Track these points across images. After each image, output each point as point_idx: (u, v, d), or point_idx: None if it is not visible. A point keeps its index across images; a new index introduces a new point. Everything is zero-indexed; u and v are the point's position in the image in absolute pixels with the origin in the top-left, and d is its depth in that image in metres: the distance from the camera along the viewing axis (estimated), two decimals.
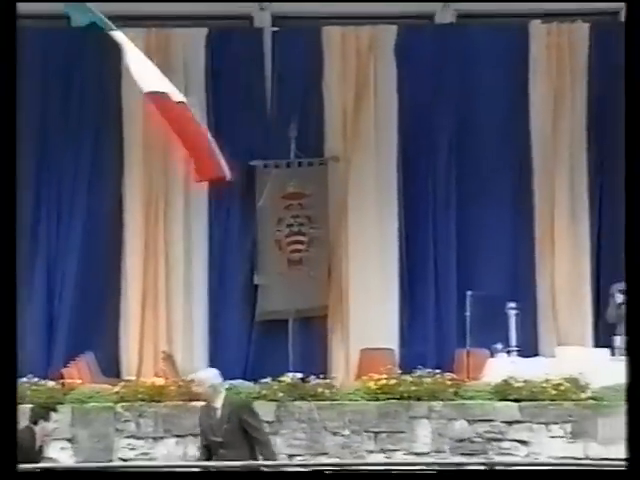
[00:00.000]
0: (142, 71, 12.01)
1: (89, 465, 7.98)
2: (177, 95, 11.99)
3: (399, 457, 13.49)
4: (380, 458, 13.37)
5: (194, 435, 13.33)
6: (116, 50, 12.28)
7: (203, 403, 12.65)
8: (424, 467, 12.88)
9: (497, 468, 9.52)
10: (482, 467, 12.17)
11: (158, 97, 11.95)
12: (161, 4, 15.85)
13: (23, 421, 12.51)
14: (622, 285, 15.11)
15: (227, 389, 13.82)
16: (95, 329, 16.41)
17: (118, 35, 11.91)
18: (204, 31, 16.43)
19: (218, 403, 12.31)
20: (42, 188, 16.37)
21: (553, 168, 16.57)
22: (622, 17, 16.08)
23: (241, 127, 16.36)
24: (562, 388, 13.71)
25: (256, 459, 11.91)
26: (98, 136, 16.17)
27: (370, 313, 16.51)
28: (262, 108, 16.55)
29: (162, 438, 13.63)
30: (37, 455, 12.71)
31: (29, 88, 15.22)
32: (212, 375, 12.70)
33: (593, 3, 16.08)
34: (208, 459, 12.13)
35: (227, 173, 12.44)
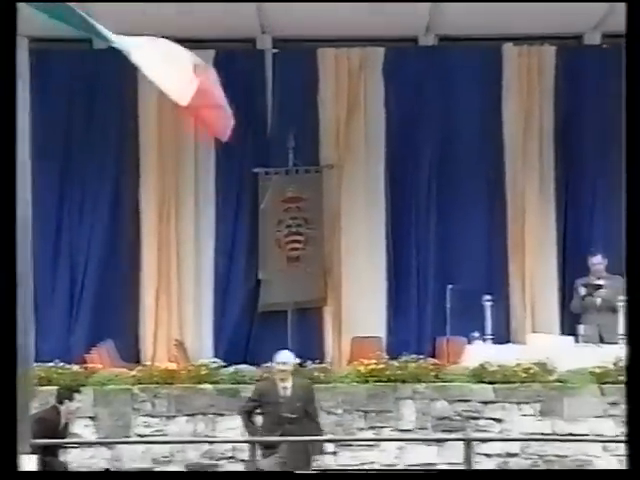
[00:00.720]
0: (167, 81, 11.40)
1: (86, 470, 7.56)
2: (200, 69, 11.35)
3: (386, 433, 13.51)
4: (369, 434, 13.42)
5: (203, 414, 13.62)
6: (131, 66, 12.34)
7: (263, 382, 13.06)
8: (409, 441, 13.33)
9: (499, 470, 8.92)
10: (461, 442, 12.37)
11: (193, 102, 11.41)
12: (170, 29, 15.71)
13: (50, 401, 12.76)
14: (585, 280, 15.42)
15: (236, 372, 14.11)
16: (115, 319, 16.40)
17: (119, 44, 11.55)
18: (211, 53, 16.12)
19: (289, 383, 12.58)
20: (66, 189, 16.31)
21: (523, 177, 16.56)
22: (585, 40, 16.37)
23: (245, 138, 16.22)
24: (532, 372, 13.76)
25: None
26: (117, 144, 16.17)
27: (360, 305, 16.55)
28: (263, 121, 16.54)
29: (174, 417, 13.66)
30: (63, 431, 12.79)
31: (57, 100, 15.28)
32: (290, 356, 12.96)
33: (560, 27, 16.06)
34: (272, 433, 12.30)
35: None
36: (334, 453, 13.38)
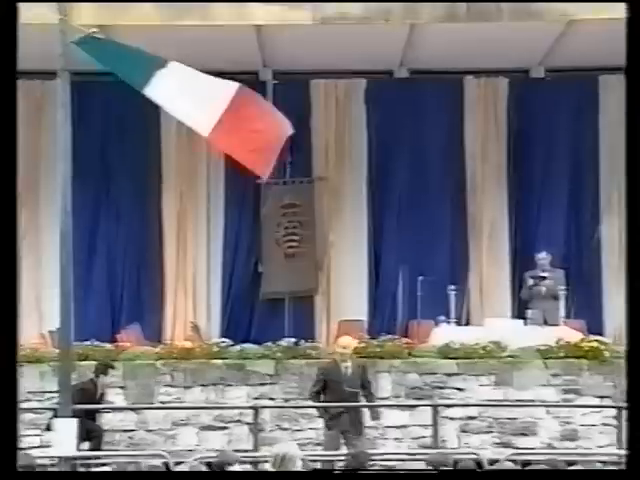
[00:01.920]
0: (191, 114, 10.81)
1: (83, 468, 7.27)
2: (229, 90, 10.78)
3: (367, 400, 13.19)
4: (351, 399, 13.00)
5: (214, 384, 13.56)
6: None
7: (327, 360, 12.95)
8: (386, 407, 13.11)
9: (490, 468, 8.68)
10: (429, 407, 12.66)
11: (218, 129, 10.61)
12: (184, 63, 15.69)
13: (89, 375, 12.91)
14: (532, 272, 15.40)
15: (242, 350, 14.02)
16: (141, 305, 16.45)
17: (150, 92, 10.92)
18: None
19: (349, 362, 12.55)
20: (102, 201, 16.33)
21: (481, 189, 16.59)
22: (532, 74, 16.32)
23: None
24: (488, 349, 13.76)
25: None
26: (144, 164, 16.13)
27: (346, 293, 16.56)
28: None
29: (190, 387, 13.61)
30: (100, 399, 12.91)
31: (95, 126, 15.28)
32: (350, 340, 12.97)
33: (512, 63, 16.00)
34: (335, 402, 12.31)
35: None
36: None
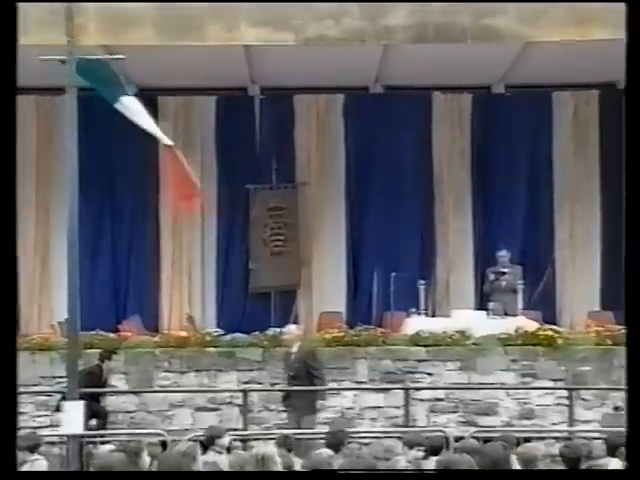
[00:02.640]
0: (154, 128, 11.63)
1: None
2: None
3: (346, 384, 13.36)
4: (333, 385, 13.19)
5: (207, 370, 13.48)
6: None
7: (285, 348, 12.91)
8: (362, 390, 13.19)
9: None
10: (401, 390, 12.73)
11: (169, 148, 11.64)
12: (181, 80, 15.67)
13: (94, 361, 12.92)
14: (493, 268, 15.41)
15: (233, 339, 13.94)
16: (141, 299, 16.43)
17: (126, 100, 11.43)
18: (214, 99, 16.41)
19: (295, 349, 12.59)
20: (106, 205, 16.30)
21: (448, 193, 16.60)
22: (493, 90, 16.32)
23: (239, 163, 16.38)
24: (454, 337, 13.71)
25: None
26: (144, 169, 15.98)
27: (326, 288, 16.55)
28: (253, 150, 16.50)
29: (186, 372, 13.55)
30: (104, 384, 12.96)
31: (100, 137, 15.17)
32: (295, 329, 13.10)
33: (475, 80, 16.00)
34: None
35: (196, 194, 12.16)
36: None
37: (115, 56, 11.41)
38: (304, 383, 12.45)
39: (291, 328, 13.29)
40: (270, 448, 7.83)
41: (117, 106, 11.20)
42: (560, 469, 6.84)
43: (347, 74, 15.54)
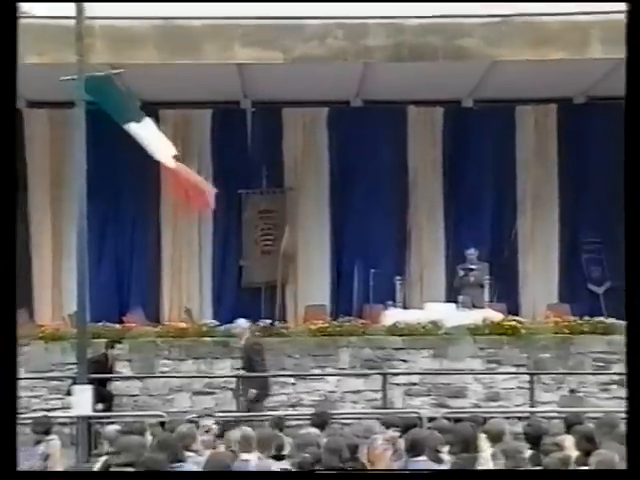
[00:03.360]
0: (157, 148, 11.39)
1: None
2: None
3: (329, 370, 13.38)
4: (317, 371, 13.31)
5: (204, 358, 13.51)
6: None
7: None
8: (344, 375, 13.20)
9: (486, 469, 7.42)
10: (379, 375, 12.74)
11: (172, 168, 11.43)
12: (180, 94, 15.61)
13: (101, 350, 12.92)
14: (462, 265, 15.36)
15: (227, 330, 13.72)
16: (143, 293, 16.39)
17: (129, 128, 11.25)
18: (210, 111, 16.40)
19: (242, 342, 12.75)
20: (111, 209, 16.21)
21: (423, 197, 16.61)
22: (463, 104, 16.26)
23: (233, 170, 16.35)
24: (427, 328, 13.76)
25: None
26: (146, 177, 15.72)
27: (311, 283, 16.55)
28: (245, 158, 16.47)
29: (184, 360, 13.55)
30: (110, 370, 12.97)
31: (107, 148, 14.99)
32: (244, 323, 13.12)
33: (446, 94, 15.92)
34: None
35: (212, 203, 12.03)
36: (293, 384, 13.26)
37: (116, 71, 11.29)
38: (249, 370, 12.63)
39: (240, 322, 13.23)
40: (248, 430, 7.79)
41: (124, 126, 11.16)
42: (560, 469, 6.44)
43: (330, 89, 15.54)
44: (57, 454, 9.28)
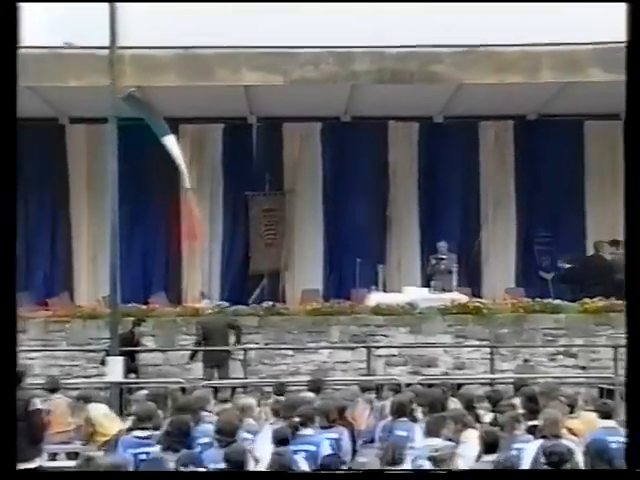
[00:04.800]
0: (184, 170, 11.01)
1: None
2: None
3: (323, 344, 13.31)
4: (312, 345, 13.24)
5: None
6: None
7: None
8: (335, 348, 13.11)
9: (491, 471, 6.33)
10: (364, 348, 12.66)
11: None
12: (197, 111, 15.53)
13: (129, 327, 12.79)
14: (435, 255, 15.21)
15: (236, 310, 13.76)
16: (166, 279, 16.40)
17: (167, 139, 11.04)
18: (221, 126, 16.37)
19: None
20: (138, 208, 15.92)
21: (401, 199, 16.48)
22: (434, 120, 16.13)
23: (241, 175, 16.29)
24: (405, 308, 13.66)
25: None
26: (168, 183, 15.46)
27: (307, 271, 16.50)
28: (251, 165, 16.40)
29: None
30: (137, 344, 12.89)
31: (134, 160, 14.73)
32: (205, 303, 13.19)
33: (421, 111, 15.87)
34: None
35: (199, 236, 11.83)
36: (292, 356, 13.19)
37: (132, 89, 11.18)
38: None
39: (205, 303, 13.26)
40: (249, 400, 7.76)
41: (162, 138, 11.04)
42: (560, 469, 5.81)
43: (323, 107, 15.52)
44: (58, 411, 8.96)
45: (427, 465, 6.20)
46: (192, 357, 12.83)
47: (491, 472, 5.75)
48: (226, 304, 14.24)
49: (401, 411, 7.56)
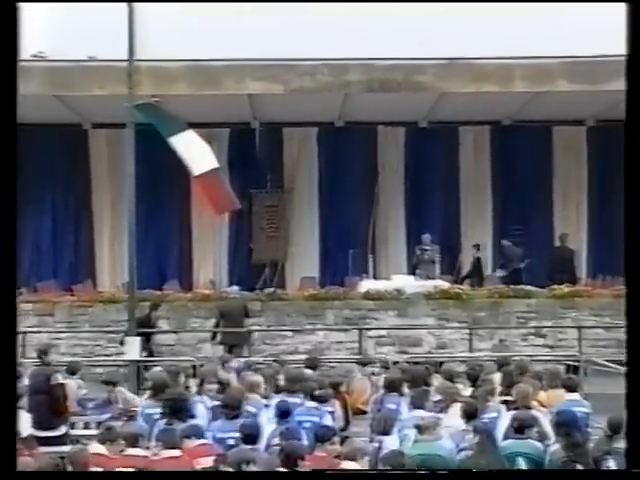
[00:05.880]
0: (191, 159, 10.24)
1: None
2: (213, 164, 10.36)
3: (319, 326, 13.22)
4: (309, 326, 13.17)
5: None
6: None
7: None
8: (330, 330, 13.06)
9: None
10: (357, 330, 12.50)
11: (202, 177, 10.22)
12: (206, 117, 15.19)
13: (146, 310, 12.70)
14: (419, 246, 15.13)
15: (242, 295, 13.74)
16: (179, 268, 16.36)
17: (172, 141, 10.41)
18: (228, 130, 16.30)
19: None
20: (151, 205, 15.58)
21: (389, 195, 16.50)
22: (420, 124, 16.15)
23: (245, 174, 16.21)
24: (393, 294, 13.64)
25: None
26: (182, 183, 15.08)
27: (305, 260, 16.50)
28: (255, 165, 16.36)
29: (209, 318, 13.30)
30: (153, 326, 12.86)
31: (150, 161, 14.49)
32: (236, 289, 13.20)
33: (408, 116, 15.81)
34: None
35: (237, 204, 11.00)
36: (291, 337, 13.16)
37: (155, 98, 11.12)
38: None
39: (233, 289, 13.24)
40: (257, 377, 7.77)
41: (168, 139, 10.80)
42: (560, 469, 5.46)
43: (319, 113, 15.50)
44: (72, 394, 8.38)
45: (413, 434, 6.22)
46: (213, 338, 12.75)
47: (491, 472, 5.36)
48: (243, 292, 14.16)
49: (392, 387, 7.60)
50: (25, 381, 7.68)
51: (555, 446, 5.83)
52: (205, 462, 5.68)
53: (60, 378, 7.32)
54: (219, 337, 12.59)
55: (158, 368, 9.30)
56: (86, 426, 8.43)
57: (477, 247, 15.97)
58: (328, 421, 6.93)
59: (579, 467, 5.44)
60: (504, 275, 14.95)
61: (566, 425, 5.88)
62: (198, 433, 6.12)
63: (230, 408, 6.64)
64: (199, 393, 7.52)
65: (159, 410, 6.85)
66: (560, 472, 5.44)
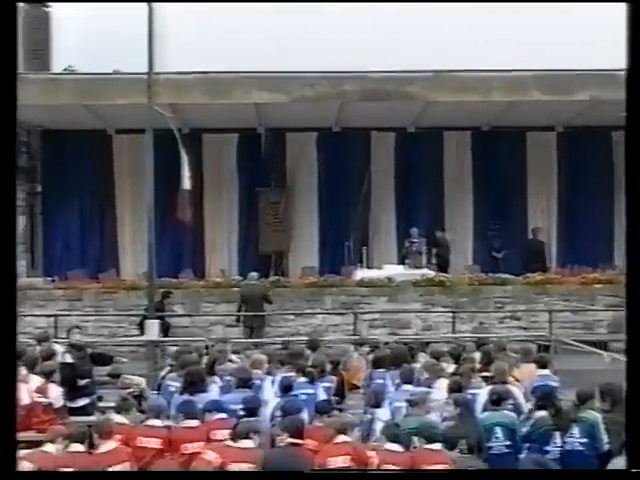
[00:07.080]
0: (186, 175, 10.76)
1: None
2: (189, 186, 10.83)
3: (317, 310, 13.22)
4: (309, 311, 13.18)
5: (234, 301, 13.20)
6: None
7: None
8: (328, 314, 12.95)
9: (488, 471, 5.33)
10: (352, 314, 12.50)
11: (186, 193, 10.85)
12: (217, 123, 15.37)
13: (158, 297, 12.44)
14: (408, 239, 15.09)
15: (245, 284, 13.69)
16: (192, 258, 16.29)
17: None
18: (236, 135, 16.27)
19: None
20: (168, 208, 15.32)
21: (380, 194, 16.40)
22: (408, 130, 15.98)
23: (252, 174, 16.22)
24: (384, 281, 13.60)
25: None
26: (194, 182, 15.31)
27: (306, 251, 16.44)
28: (261, 167, 16.29)
29: (219, 303, 13.37)
30: (164, 311, 12.70)
31: (166, 169, 13.82)
32: (254, 275, 13.12)
33: (397, 122, 15.70)
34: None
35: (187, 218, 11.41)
36: (293, 320, 13.11)
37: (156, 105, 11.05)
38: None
39: (252, 274, 13.15)
40: (261, 355, 7.74)
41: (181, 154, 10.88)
42: (560, 469, 5.12)
43: (318, 119, 15.42)
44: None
45: (403, 407, 6.24)
46: (238, 320, 12.71)
47: (491, 472, 5.06)
48: (240, 278, 14.13)
49: (379, 364, 7.61)
50: (58, 358, 7.70)
51: (540, 413, 5.78)
52: (221, 434, 5.62)
53: (68, 358, 7.24)
54: (242, 320, 12.59)
55: (174, 348, 9.25)
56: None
57: (442, 229, 15.76)
58: (323, 395, 6.92)
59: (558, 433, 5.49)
60: (436, 262, 14.83)
61: (547, 396, 5.92)
62: (219, 408, 6.11)
63: (241, 382, 6.66)
64: (211, 370, 7.51)
65: (178, 384, 6.84)
66: (560, 472, 5.14)
